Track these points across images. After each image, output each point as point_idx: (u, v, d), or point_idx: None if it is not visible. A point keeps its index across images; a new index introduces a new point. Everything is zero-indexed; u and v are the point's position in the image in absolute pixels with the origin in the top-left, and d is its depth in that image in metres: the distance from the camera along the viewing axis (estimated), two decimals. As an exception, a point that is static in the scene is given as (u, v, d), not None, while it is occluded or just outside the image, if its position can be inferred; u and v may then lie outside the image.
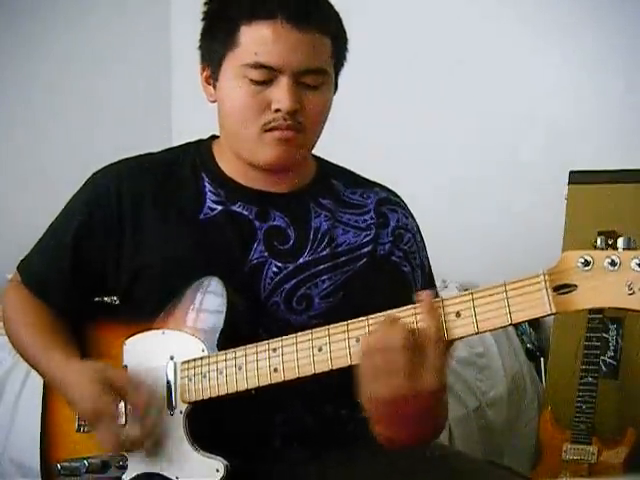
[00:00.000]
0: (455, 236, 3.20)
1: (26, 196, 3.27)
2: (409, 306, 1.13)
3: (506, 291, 1.08)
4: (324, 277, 1.40)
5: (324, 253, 1.41)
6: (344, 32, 1.41)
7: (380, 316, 1.16)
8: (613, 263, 1.03)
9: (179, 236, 1.40)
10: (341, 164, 1.54)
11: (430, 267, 1.49)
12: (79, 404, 1.34)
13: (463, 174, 3.28)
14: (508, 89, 3.20)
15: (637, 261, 1.01)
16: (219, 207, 1.41)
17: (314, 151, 1.47)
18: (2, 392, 2.18)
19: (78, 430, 1.42)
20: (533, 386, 2.93)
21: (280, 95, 1.32)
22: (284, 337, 1.23)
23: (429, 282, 1.47)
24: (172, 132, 3.84)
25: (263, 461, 1.36)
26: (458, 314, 1.11)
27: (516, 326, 2.80)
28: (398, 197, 1.51)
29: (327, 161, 1.52)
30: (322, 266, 1.40)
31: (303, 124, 1.35)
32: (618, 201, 2.67)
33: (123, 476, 1.35)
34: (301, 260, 1.40)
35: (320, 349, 1.19)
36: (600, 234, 2.59)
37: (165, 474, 1.32)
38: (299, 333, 1.22)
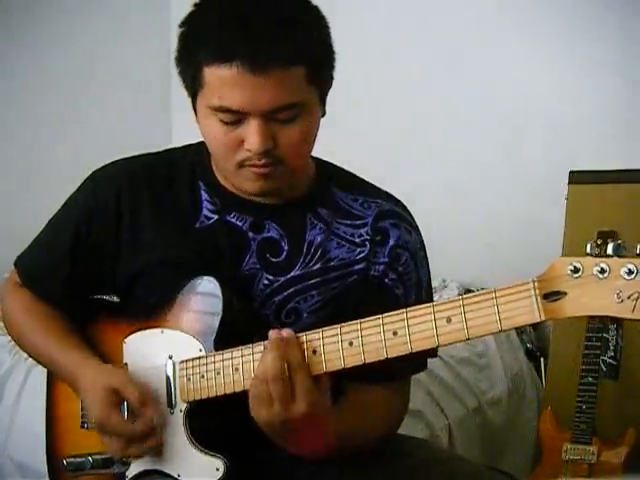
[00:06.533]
0: (455, 236, 3.20)
1: (26, 196, 3.27)
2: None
3: (496, 297, 1.08)
4: (313, 292, 1.38)
5: (316, 267, 1.39)
6: (326, 52, 1.32)
7: (373, 319, 1.16)
8: (602, 271, 1.01)
9: (176, 242, 1.40)
10: (341, 165, 1.50)
11: (430, 283, 1.45)
12: (90, 410, 1.35)
13: (463, 174, 3.28)
14: (508, 88, 3.20)
15: (626, 269, 1.00)
16: (215, 216, 1.41)
17: (314, 152, 1.41)
18: (2, 392, 2.18)
19: (82, 426, 1.43)
20: (533, 386, 2.92)
21: (249, 137, 1.27)
22: None
23: (426, 298, 1.42)
24: (172, 132, 3.84)
25: (259, 462, 1.36)
26: (449, 320, 1.10)
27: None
28: (403, 208, 1.45)
29: (328, 163, 1.48)
30: (312, 280, 1.38)
31: (281, 157, 1.30)
32: (618, 201, 2.67)
33: (127, 472, 1.36)
34: (292, 273, 1.38)
35: (314, 351, 1.20)
36: (600, 234, 2.59)
37: (167, 471, 1.33)
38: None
